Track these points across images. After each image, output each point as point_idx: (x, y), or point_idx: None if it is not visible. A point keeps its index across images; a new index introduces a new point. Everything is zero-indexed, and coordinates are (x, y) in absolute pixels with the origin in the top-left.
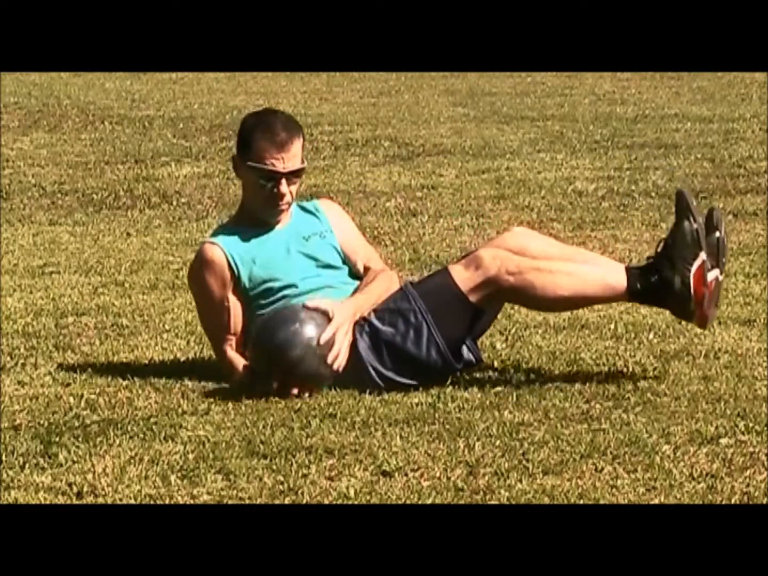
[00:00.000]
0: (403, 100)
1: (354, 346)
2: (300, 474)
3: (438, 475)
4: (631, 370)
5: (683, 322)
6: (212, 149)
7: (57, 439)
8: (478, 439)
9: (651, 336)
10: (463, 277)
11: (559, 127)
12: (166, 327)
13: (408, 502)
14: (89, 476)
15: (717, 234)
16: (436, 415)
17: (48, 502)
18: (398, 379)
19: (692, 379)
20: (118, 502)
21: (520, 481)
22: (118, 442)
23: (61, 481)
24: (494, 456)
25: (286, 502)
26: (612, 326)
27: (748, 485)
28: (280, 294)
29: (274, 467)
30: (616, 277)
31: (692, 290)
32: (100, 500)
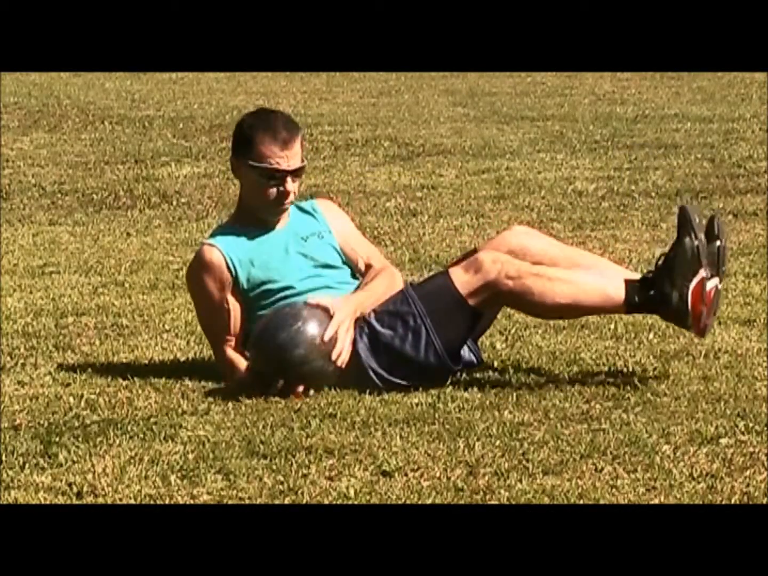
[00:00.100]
0: (403, 100)
1: (354, 348)
2: (300, 474)
3: (438, 475)
4: (631, 370)
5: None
6: (212, 149)
7: (57, 439)
8: (478, 439)
9: (651, 336)
10: (463, 281)
11: (559, 127)
12: (166, 327)
13: (408, 502)
14: (89, 476)
15: (718, 243)
16: (436, 415)
17: (48, 502)
18: (397, 381)
19: (692, 379)
20: (118, 502)
21: (520, 481)
22: (118, 442)
23: (61, 481)
24: (494, 456)
25: (286, 502)
26: (612, 326)
27: (748, 485)
28: (279, 295)
29: (274, 467)
30: (615, 289)
31: (690, 306)
32: (100, 500)
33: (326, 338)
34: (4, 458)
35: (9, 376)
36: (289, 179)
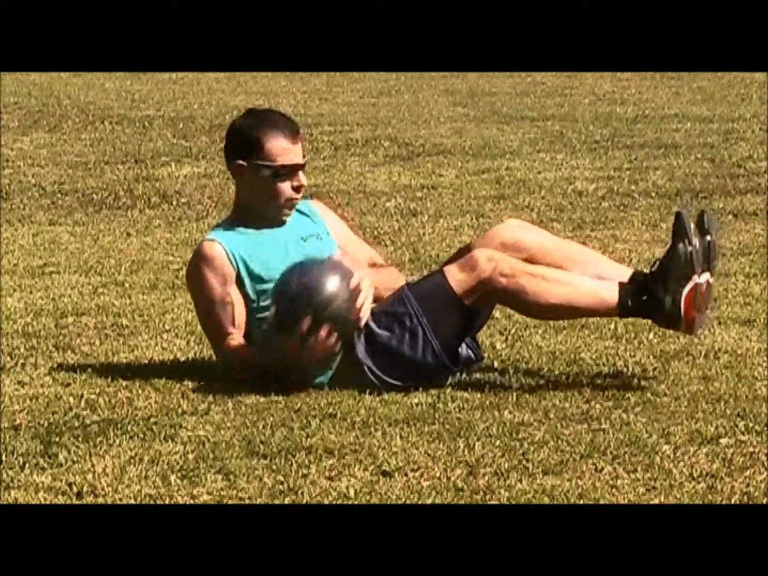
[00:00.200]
0: (403, 100)
1: (351, 349)
2: (300, 474)
3: (438, 475)
4: (631, 370)
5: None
6: (212, 149)
7: (57, 439)
8: (478, 439)
9: (651, 336)
10: (458, 279)
11: (559, 127)
12: (166, 327)
13: (408, 502)
14: (89, 476)
15: (708, 238)
16: (436, 415)
17: (48, 502)
18: (396, 382)
19: (692, 379)
20: (118, 502)
21: (520, 481)
22: (118, 442)
23: (61, 481)
24: (494, 456)
25: (286, 502)
26: (612, 326)
27: (748, 485)
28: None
29: (274, 467)
30: (609, 293)
31: (682, 312)
32: (100, 500)
33: (353, 285)
34: (4, 458)
35: (9, 376)
36: (300, 173)
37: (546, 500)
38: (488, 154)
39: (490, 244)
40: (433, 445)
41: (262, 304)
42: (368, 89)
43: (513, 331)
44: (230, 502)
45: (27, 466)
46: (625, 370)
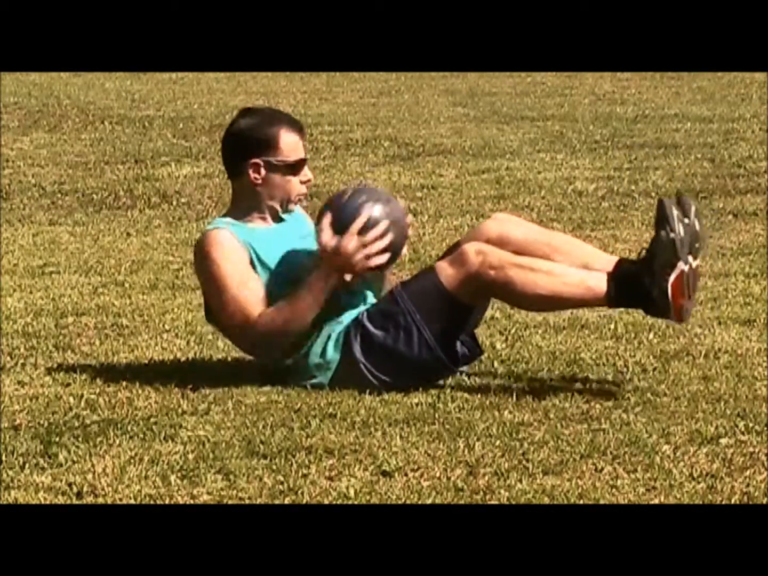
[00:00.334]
0: (403, 100)
1: (349, 349)
2: (300, 474)
3: (438, 475)
4: (631, 370)
5: (684, 323)
6: (212, 149)
7: (57, 439)
8: (478, 439)
9: (651, 336)
10: (449, 275)
11: (559, 127)
12: (166, 327)
13: (408, 502)
14: (89, 476)
15: (686, 221)
16: (436, 415)
17: (48, 502)
18: (394, 380)
19: (692, 379)
20: (118, 502)
21: (520, 481)
22: (118, 442)
23: (61, 481)
24: (494, 456)
25: (286, 502)
26: (612, 326)
27: (748, 485)
28: (283, 289)
29: (274, 467)
30: (597, 282)
31: (670, 299)
32: (100, 500)
33: (407, 220)
34: (4, 458)
35: (9, 376)
36: (306, 167)
37: (546, 500)
38: (488, 154)
39: (478, 239)
40: (433, 445)
41: (272, 292)
42: (368, 89)
43: (513, 331)
44: (230, 502)
45: (27, 466)
46: (625, 370)
